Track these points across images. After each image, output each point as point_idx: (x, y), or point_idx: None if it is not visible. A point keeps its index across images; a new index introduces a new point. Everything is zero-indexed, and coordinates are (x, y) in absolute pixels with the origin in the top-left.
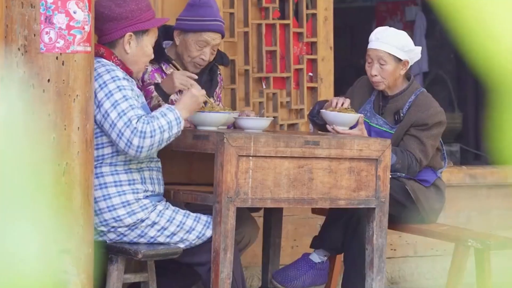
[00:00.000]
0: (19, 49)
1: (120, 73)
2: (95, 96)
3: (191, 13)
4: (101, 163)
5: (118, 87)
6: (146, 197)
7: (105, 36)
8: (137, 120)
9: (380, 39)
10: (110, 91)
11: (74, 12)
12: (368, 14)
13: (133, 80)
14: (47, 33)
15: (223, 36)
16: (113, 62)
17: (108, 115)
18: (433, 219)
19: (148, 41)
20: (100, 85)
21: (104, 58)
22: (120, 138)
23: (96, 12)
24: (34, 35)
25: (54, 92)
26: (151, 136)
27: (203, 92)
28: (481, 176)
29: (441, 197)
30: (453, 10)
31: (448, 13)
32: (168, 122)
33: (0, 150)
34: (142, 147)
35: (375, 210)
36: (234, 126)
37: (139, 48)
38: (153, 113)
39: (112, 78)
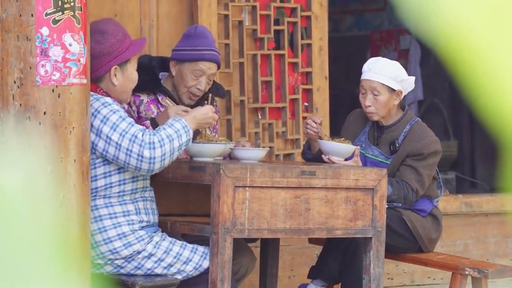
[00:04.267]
0: (15, 81)
1: (108, 99)
2: (92, 125)
3: (187, 43)
4: (95, 195)
5: (111, 110)
6: (142, 228)
7: (91, 73)
8: (142, 134)
9: (372, 70)
10: (105, 116)
11: (70, 45)
12: (362, 43)
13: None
14: (42, 65)
15: (219, 67)
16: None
17: (110, 139)
18: (430, 248)
19: (132, 68)
20: (93, 113)
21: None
22: (130, 155)
23: None
24: (30, 67)
25: (50, 125)
26: (161, 146)
27: (216, 116)
28: (477, 204)
29: (438, 226)
30: (459, 61)
31: (456, 65)
32: (175, 131)
33: None
34: (154, 158)
35: (372, 240)
36: (230, 157)
37: (125, 78)
38: (159, 126)
39: (103, 104)
